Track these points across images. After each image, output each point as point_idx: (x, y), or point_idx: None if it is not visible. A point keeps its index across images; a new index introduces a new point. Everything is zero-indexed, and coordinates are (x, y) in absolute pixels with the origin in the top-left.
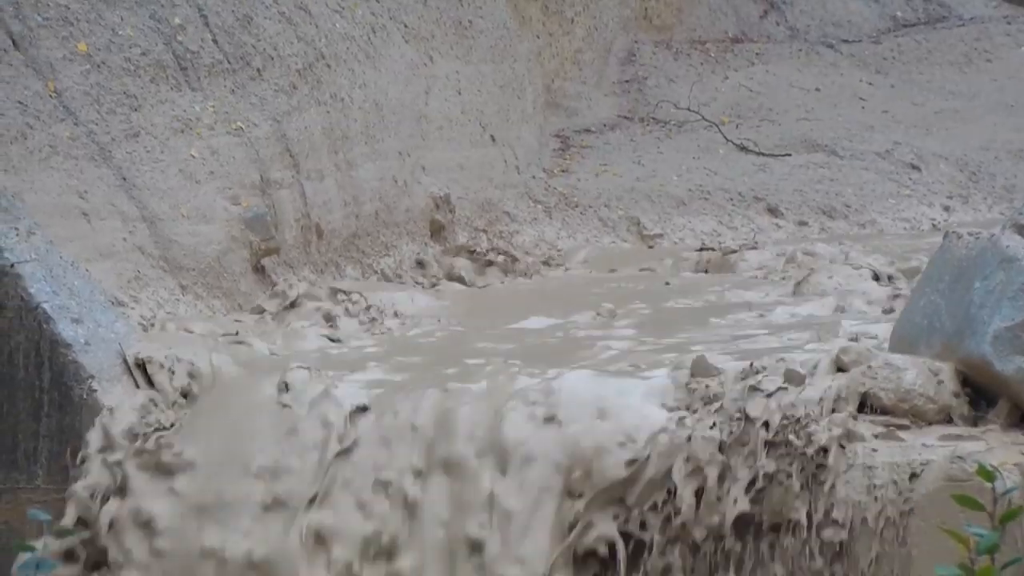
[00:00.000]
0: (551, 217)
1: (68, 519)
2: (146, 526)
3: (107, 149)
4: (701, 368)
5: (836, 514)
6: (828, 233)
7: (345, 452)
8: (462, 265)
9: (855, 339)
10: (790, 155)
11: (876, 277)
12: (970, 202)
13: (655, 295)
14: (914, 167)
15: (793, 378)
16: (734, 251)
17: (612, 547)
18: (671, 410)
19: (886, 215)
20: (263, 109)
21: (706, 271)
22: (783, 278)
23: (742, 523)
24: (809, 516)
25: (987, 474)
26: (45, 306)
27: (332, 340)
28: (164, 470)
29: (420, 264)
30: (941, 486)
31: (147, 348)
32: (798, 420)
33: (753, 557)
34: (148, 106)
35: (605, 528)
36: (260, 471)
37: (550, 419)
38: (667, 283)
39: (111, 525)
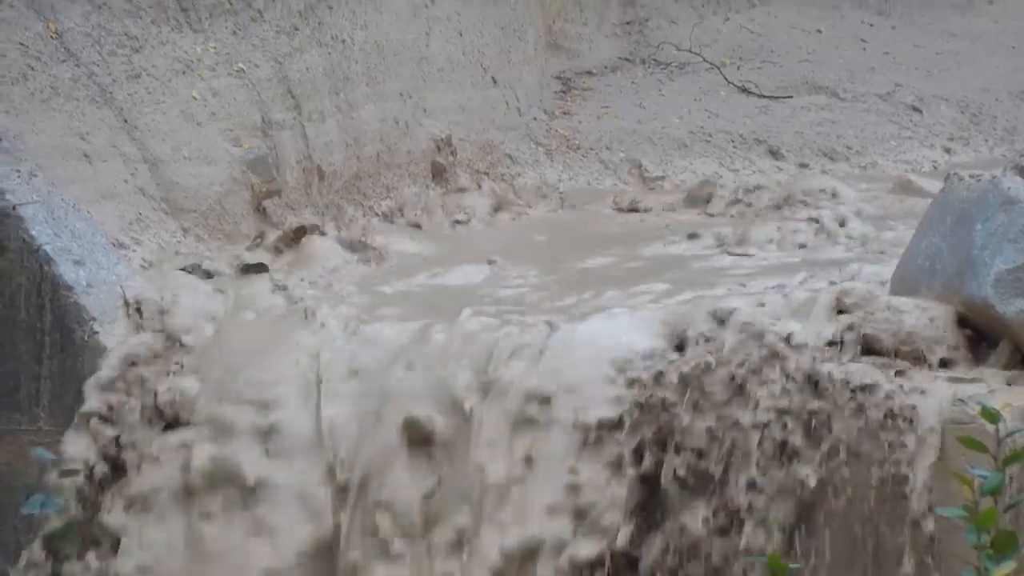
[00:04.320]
0: (552, 159)
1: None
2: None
3: (108, 91)
4: None
5: (838, 456)
6: (830, 175)
7: None
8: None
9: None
10: (791, 97)
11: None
12: (971, 144)
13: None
14: (915, 109)
15: None
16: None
17: None
18: None
19: (887, 157)
20: (264, 50)
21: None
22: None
23: None
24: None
25: (991, 416)
26: (46, 248)
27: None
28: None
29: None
30: (942, 428)
31: (148, 290)
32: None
33: None
34: (149, 47)
35: None
36: None
37: None
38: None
39: None
